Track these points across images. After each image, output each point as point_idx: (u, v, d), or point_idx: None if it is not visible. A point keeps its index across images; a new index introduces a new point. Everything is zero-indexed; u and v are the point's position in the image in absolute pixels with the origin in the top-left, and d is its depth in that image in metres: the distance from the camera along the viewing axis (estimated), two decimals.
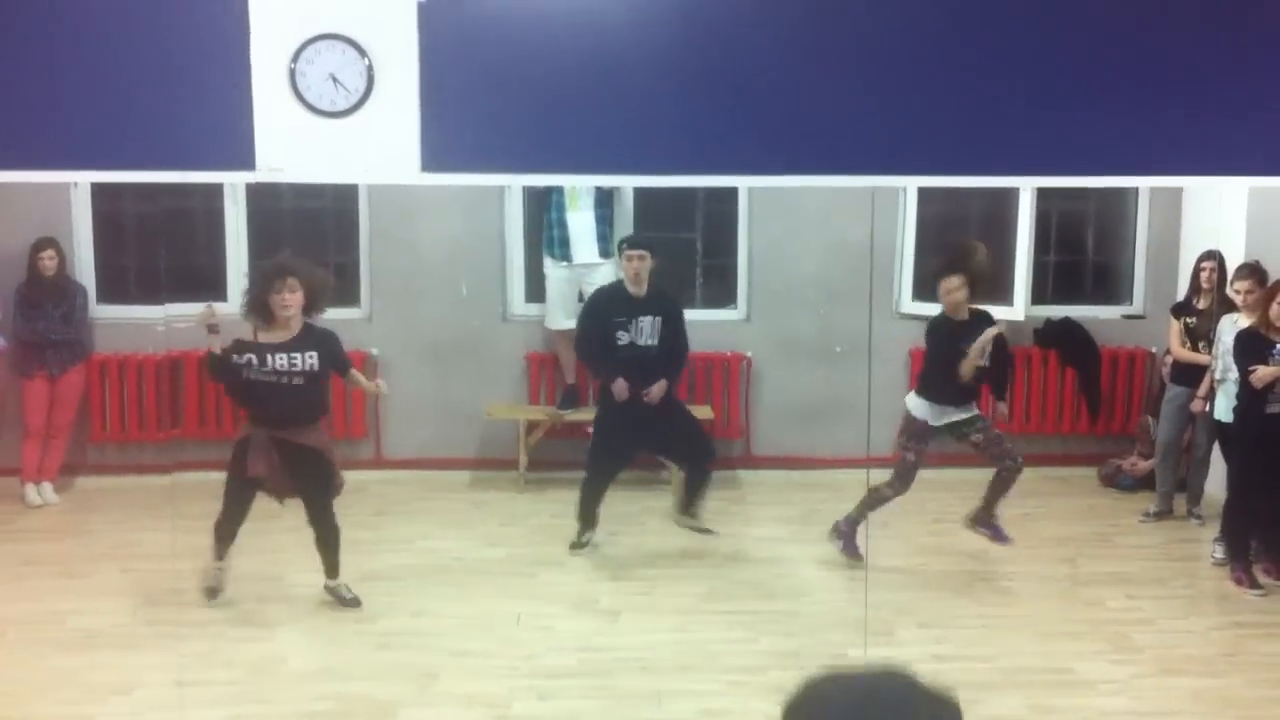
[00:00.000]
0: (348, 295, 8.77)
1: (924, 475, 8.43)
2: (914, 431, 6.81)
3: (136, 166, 3.99)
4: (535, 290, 8.76)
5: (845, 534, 6.88)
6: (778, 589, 6.67)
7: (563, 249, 8.47)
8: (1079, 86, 4.02)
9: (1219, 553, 6.97)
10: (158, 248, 8.71)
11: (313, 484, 6.18)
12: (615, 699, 5.43)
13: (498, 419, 8.54)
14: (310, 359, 6.10)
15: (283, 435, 6.06)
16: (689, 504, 7.29)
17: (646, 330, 7.05)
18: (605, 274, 8.37)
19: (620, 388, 6.96)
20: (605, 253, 8.51)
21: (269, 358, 6.05)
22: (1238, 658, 5.87)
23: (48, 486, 8.01)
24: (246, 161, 3.97)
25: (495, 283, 8.74)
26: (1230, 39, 4.01)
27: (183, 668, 5.50)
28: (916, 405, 6.83)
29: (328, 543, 6.26)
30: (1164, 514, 7.79)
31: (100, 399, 8.46)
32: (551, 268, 8.55)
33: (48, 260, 8.04)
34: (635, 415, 7.01)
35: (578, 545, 7.09)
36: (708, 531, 7.29)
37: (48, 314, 8.05)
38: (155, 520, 7.53)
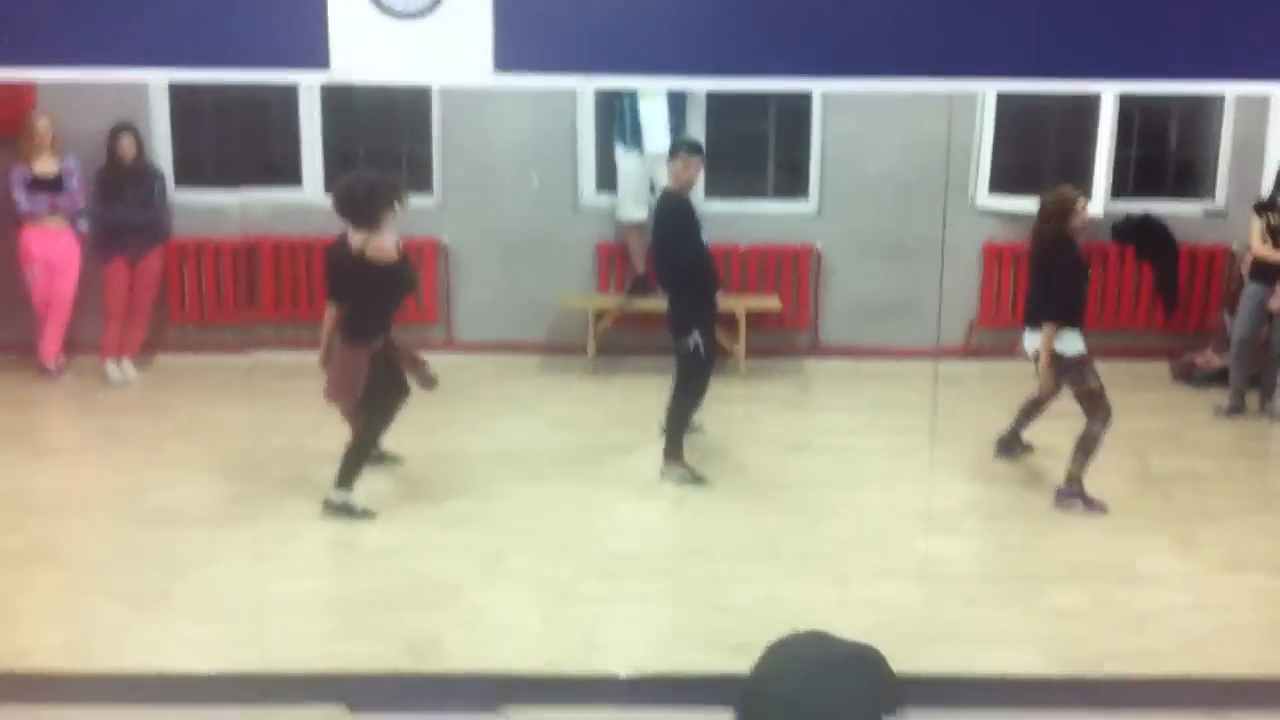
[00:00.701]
0: (420, 184, 8.81)
1: (991, 368, 8.48)
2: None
3: (209, 64, 3.98)
4: (606, 180, 8.76)
5: (1075, 493, 6.33)
6: (842, 478, 6.70)
7: (634, 138, 8.45)
8: None
9: None
10: (234, 134, 8.79)
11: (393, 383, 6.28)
12: (680, 583, 5.54)
13: (567, 307, 8.60)
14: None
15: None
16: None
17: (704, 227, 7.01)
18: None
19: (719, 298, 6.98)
20: (676, 143, 8.46)
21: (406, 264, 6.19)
22: None
23: (128, 364, 8.20)
24: (320, 61, 3.96)
25: (566, 173, 8.74)
26: None
27: (261, 543, 5.67)
28: (1073, 340, 6.33)
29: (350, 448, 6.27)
30: (1236, 410, 7.71)
31: (179, 282, 8.61)
32: (623, 157, 8.54)
33: (126, 146, 8.16)
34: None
35: (692, 478, 6.61)
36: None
37: (127, 199, 8.19)
38: (233, 399, 7.72)
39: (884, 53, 4.17)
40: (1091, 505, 6.26)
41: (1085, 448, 6.29)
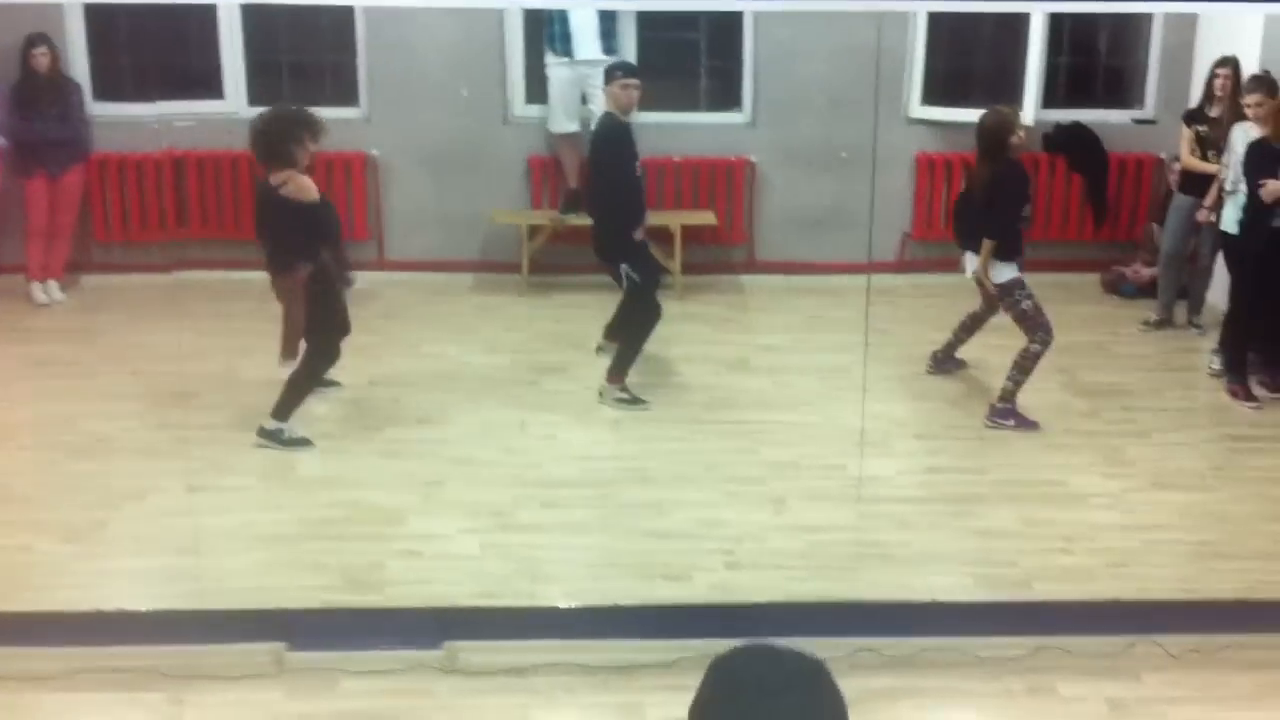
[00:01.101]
0: (345, 95, 8.65)
1: (925, 281, 8.53)
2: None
3: None
4: (536, 91, 8.62)
5: (1008, 411, 6.39)
6: (777, 399, 6.76)
7: (564, 44, 8.31)
8: None
9: (1216, 364, 7.03)
10: (152, 44, 8.54)
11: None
12: (616, 509, 5.58)
13: (501, 224, 8.51)
14: None
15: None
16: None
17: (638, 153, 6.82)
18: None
19: (641, 231, 6.83)
20: (609, 50, 8.35)
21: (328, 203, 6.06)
22: (1228, 471, 6.00)
23: (54, 285, 8.04)
24: None
25: (495, 83, 8.59)
26: None
27: (193, 474, 5.63)
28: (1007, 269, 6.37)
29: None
30: (1164, 323, 7.83)
31: (101, 198, 8.42)
32: (553, 65, 8.40)
33: (41, 57, 7.91)
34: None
35: (636, 400, 6.60)
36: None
37: (44, 112, 7.97)
38: (163, 321, 7.57)
39: None
40: (1023, 422, 6.35)
41: (1022, 366, 6.37)
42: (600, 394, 6.58)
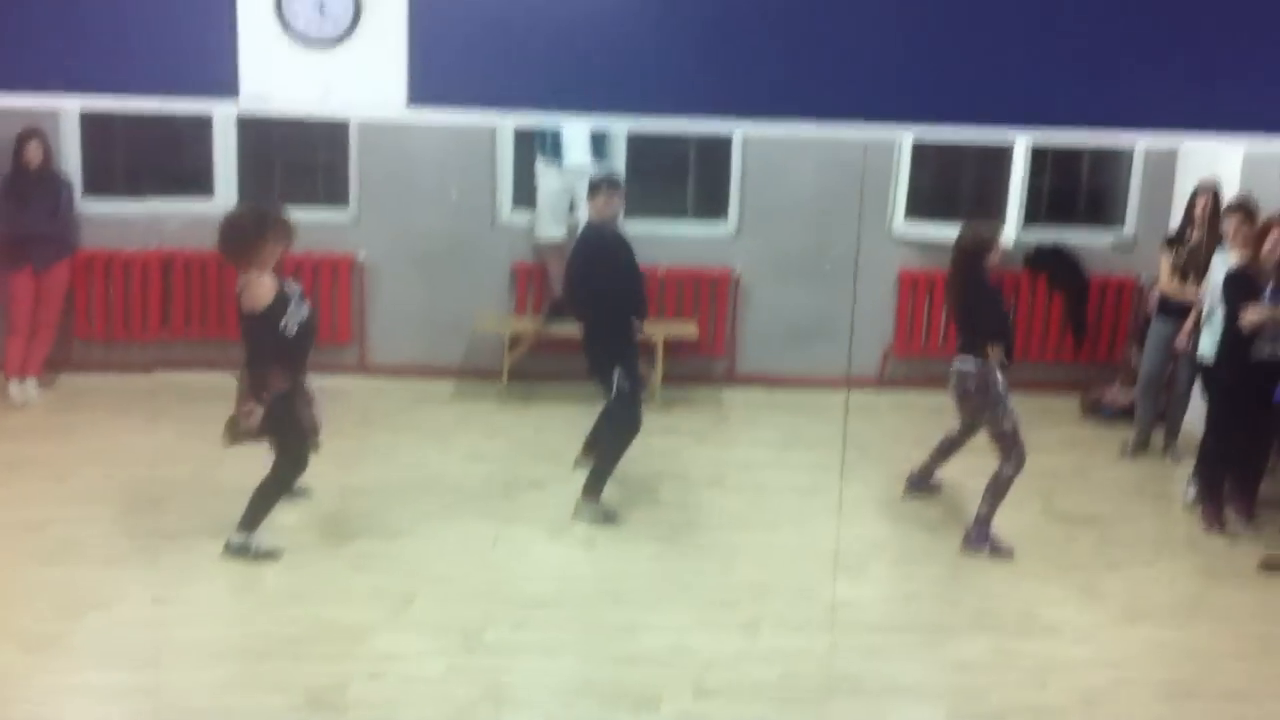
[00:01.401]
0: (336, 196, 8.72)
1: (905, 399, 8.56)
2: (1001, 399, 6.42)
3: (117, 91, 3.92)
4: (524, 196, 8.69)
5: (983, 537, 6.37)
6: (754, 518, 6.73)
7: (554, 151, 8.39)
8: (1074, 36, 3.93)
9: (1192, 493, 7.03)
10: (145, 142, 8.61)
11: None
12: (588, 631, 5.52)
13: (484, 331, 8.53)
14: (295, 286, 6.02)
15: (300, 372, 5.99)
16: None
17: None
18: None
19: (638, 326, 6.88)
20: (599, 158, 8.44)
21: (292, 300, 5.87)
22: (1202, 607, 5.96)
23: (31, 383, 8.02)
24: (230, 89, 3.90)
25: (485, 188, 8.66)
26: None
27: (161, 584, 5.58)
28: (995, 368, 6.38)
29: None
30: (1141, 448, 7.83)
31: (86, 295, 8.43)
32: (543, 172, 8.47)
33: (33, 152, 7.96)
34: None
35: (611, 515, 6.62)
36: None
37: (33, 207, 8.00)
38: (140, 422, 7.60)
39: (804, 94, 4.18)
40: (998, 550, 6.33)
41: (996, 491, 6.36)
42: (576, 509, 6.56)
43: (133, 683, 4.98)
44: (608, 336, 6.70)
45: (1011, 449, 6.33)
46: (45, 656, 5.15)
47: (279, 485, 6.01)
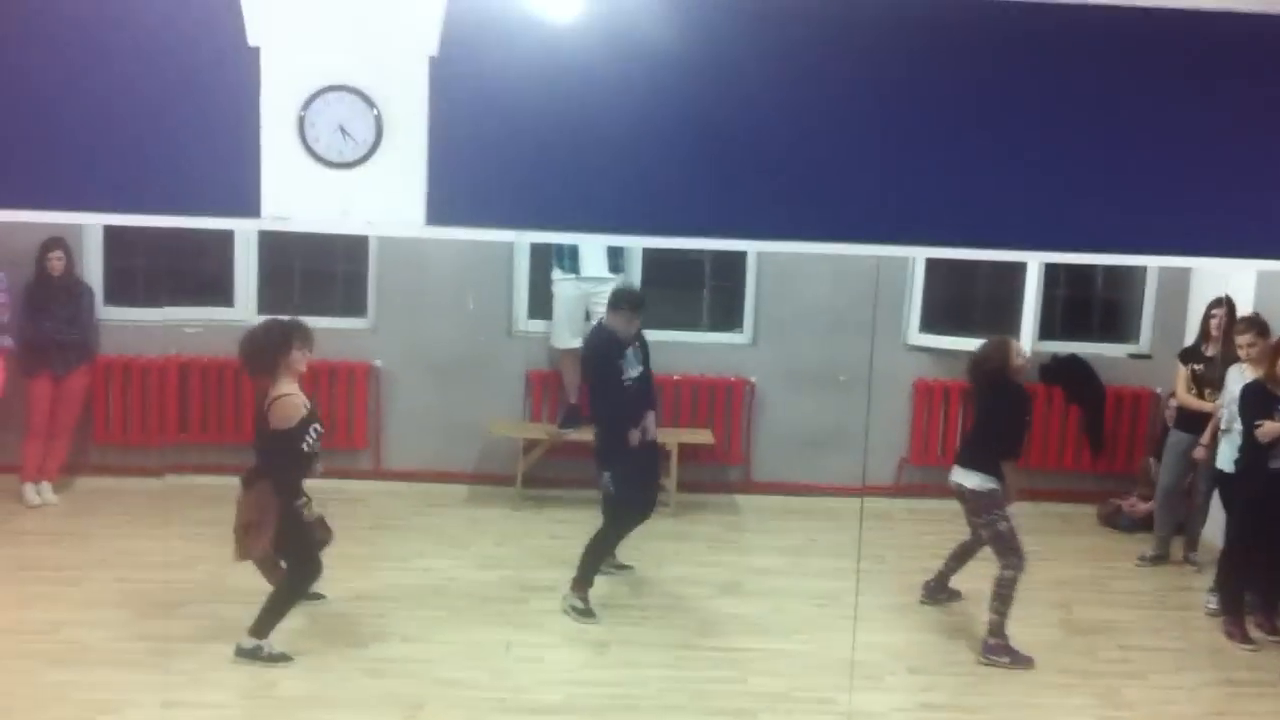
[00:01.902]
0: (355, 306, 8.80)
1: (921, 506, 8.52)
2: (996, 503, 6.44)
3: (142, 210, 4.02)
4: (540, 306, 8.76)
5: (1001, 646, 6.29)
6: (770, 625, 6.66)
7: (571, 261, 8.46)
8: (1087, 164, 4.02)
9: (1213, 603, 6.96)
10: (167, 250, 8.72)
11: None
12: None
13: (498, 435, 8.55)
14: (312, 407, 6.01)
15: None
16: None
17: (633, 362, 6.90)
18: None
19: (635, 437, 6.81)
20: (615, 268, 8.52)
21: (316, 426, 5.93)
22: (1226, 718, 5.87)
23: (47, 486, 8.03)
24: (252, 208, 3.99)
25: (501, 298, 8.73)
26: (1244, 123, 3.99)
27: (172, 689, 5.53)
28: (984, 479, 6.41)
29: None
30: (1160, 558, 7.77)
31: (104, 401, 8.48)
32: (559, 282, 8.54)
33: (56, 261, 8.06)
34: (647, 455, 6.97)
35: (587, 613, 6.61)
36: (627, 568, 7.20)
37: (54, 314, 8.07)
38: (153, 526, 7.59)
39: (816, 216, 4.25)
40: (1017, 659, 6.25)
41: (1001, 596, 6.31)
42: (562, 600, 6.57)
43: None
44: (604, 436, 6.84)
45: (1008, 551, 6.31)
46: None
47: (291, 594, 5.98)
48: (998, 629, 6.29)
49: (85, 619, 6.28)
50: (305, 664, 5.96)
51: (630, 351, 6.87)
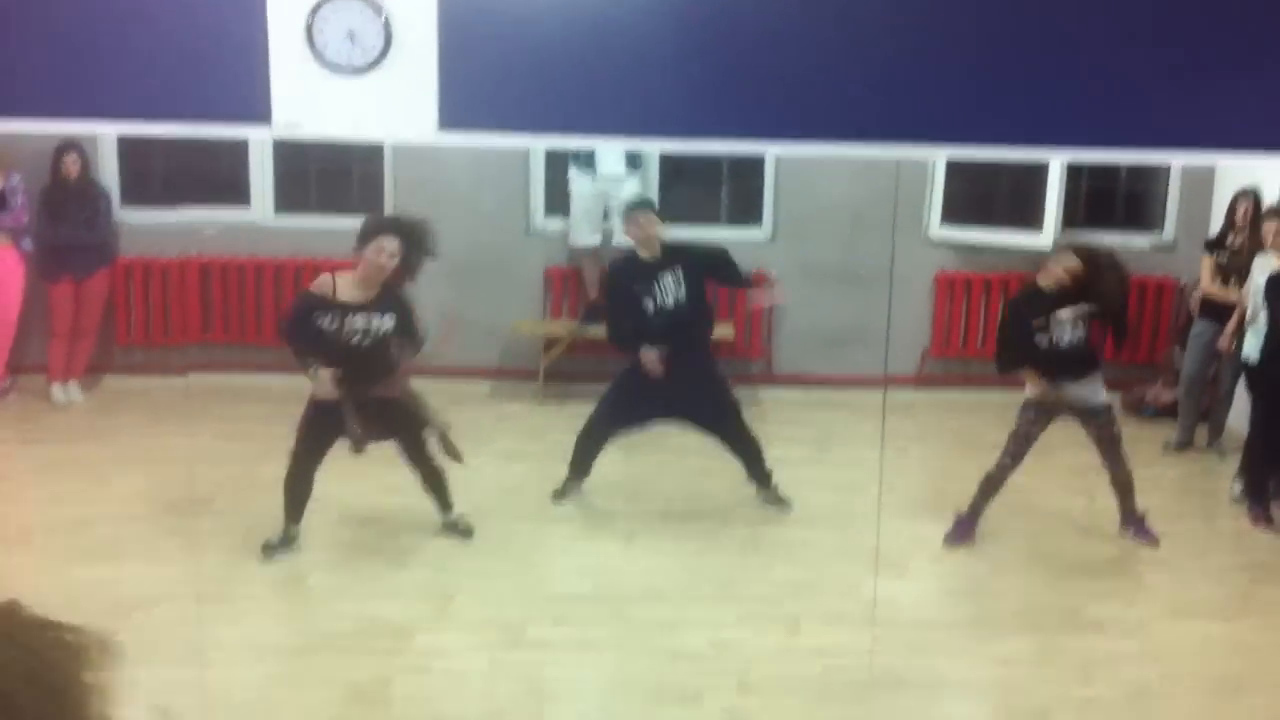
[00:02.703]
0: (371, 205, 8.73)
1: (949, 397, 8.52)
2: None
3: (151, 117, 3.96)
4: (557, 204, 8.72)
5: (964, 526, 6.40)
6: (794, 515, 6.69)
7: (587, 158, 8.42)
8: (1111, 56, 3.93)
9: (1237, 489, 6.97)
10: (181, 151, 8.68)
11: (402, 431, 6.12)
12: (628, 626, 5.50)
13: (521, 334, 8.55)
14: (387, 322, 5.96)
15: (361, 390, 5.94)
16: (761, 481, 6.80)
17: (670, 288, 6.61)
18: (631, 187, 8.33)
19: (650, 359, 6.52)
20: (632, 164, 8.47)
21: (348, 319, 5.88)
22: (1250, 601, 5.90)
23: (74, 385, 8.10)
24: (262, 115, 3.94)
25: (518, 196, 8.69)
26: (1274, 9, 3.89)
27: (204, 583, 5.59)
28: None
29: (431, 482, 6.24)
30: (1185, 445, 7.79)
31: (125, 303, 8.50)
32: (576, 180, 8.50)
33: (71, 164, 8.04)
34: (664, 385, 6.57)
35: (560, 495, 6.76)
36: (785, 504, 6.78)
37: (72, 218, 8.07)
38: (179, 424, 7.61)
39: (832, 116, 4.18)
40: (962, 535, 6.31)
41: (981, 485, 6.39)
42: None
43: (178, 679, 4.97)
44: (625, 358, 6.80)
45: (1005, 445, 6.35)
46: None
47: (288, 474, 6.05)
48: (969, 509, 6.40)
49: (116, 515, 6.34)
50: (335, 556, 6.03)
51: (669, 278, 6.58)
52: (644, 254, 6.64)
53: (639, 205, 6.81)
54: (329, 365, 5.86)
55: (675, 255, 6.63)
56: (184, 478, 6.72)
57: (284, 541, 6.02)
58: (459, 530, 6.27)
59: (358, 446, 5.96)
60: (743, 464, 6.77)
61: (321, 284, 5.90)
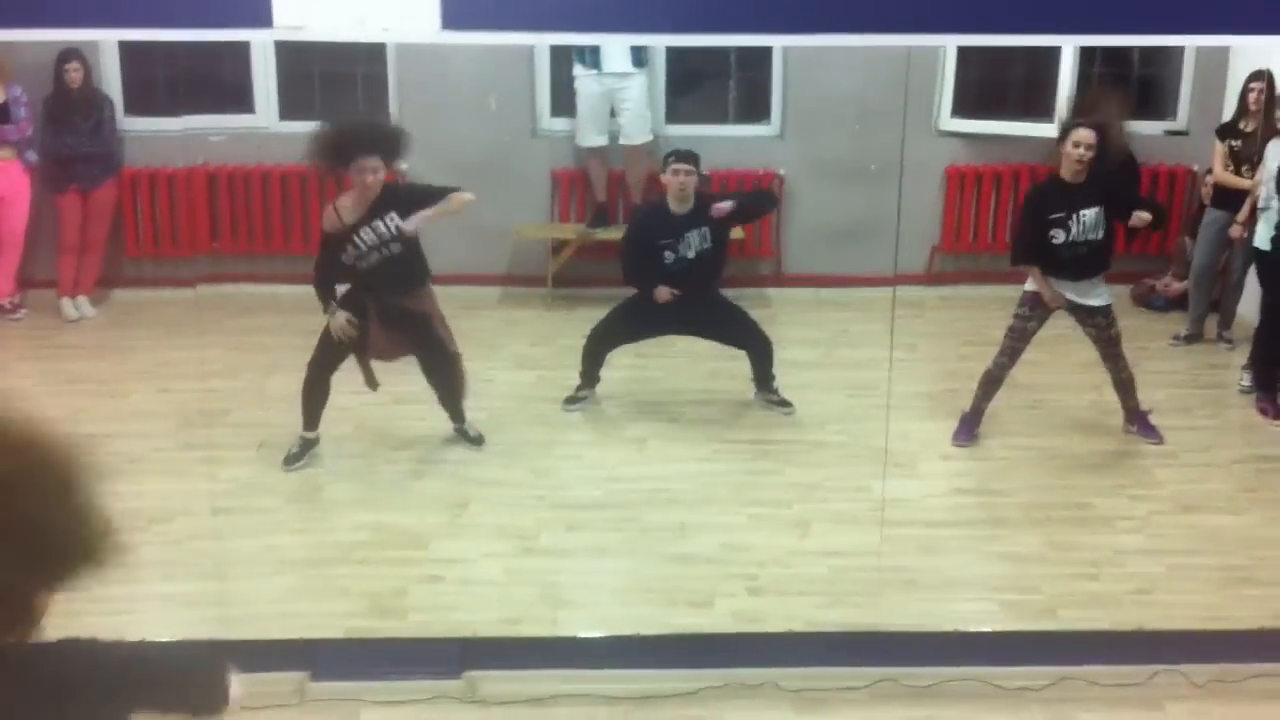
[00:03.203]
0: (376, 106, 8.67)
1: (959, 292, 8.51)
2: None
3: (152, 25, 3.95)
4: (563, 104, 8.63)
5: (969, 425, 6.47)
6: (804, 417, 6.73)
7: (592, 56, 8.30)
8: None
9: (1246, 380, 6.97)
10: (184, 58, 8.59)
11: (423, 350, 6.18)
12: (640, 531, 5.59)
13: (527, 238, 8.53)
14: (393, 222, 5.96)
15: (388, 300, 6.02)
16: (763, 382, 6.86)
17: (695, 242, 6.63)
18: (638, 85, 8.24)
19: (663, 294, 6.60)
20: (638, 61, 8.34)
21: (358, 237, 5.90)
22: (1259, 493, 5.95)
23: (84, 300, 8.10)
24: (264, 19, 3.91)
25: (524, 96, 8.59)
26: None
27: (220, 496, 5.66)
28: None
29: (447, 400, 6.29)
30: (1194, 337, 7.76)
31: (133, 213, 8.48)
32: (581, 78, 8.39)
33: (73, 73, 7.97)
34: (674, 308, 6.66)
35: (573, 400, 6.82)
36: (787, 405, 6.82)
37: (76, 128, 8.02)
38: (192, 337, 7.63)
39: (840, 6, 4.14)
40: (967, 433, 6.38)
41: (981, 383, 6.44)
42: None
43: (198, 592, 5.09)
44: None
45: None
46: (111, 571, 5.24)
47: (307, 376, 6.13)
48: (972, 409, 6.46)
49: (131, 430, 6.40)
50: (349, 467, 6.10)
51: (694, 234, 6.61)
52: (675, 207, 6.60)
53: (681, 156, 6.67)
54: (356, 289, 5.96)
55: (703, 213, 6.60)
56: (198, 391, 6.77)
57: (303, 448, 6.09)
58: (470, 439, 6.31)
59: (372, 385, 6.11)
60: (751, 361, 6.82)
61: (329, 219, 5.91)
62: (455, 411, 6.33)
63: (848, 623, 4.93)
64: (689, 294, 6.61)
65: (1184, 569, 5.32)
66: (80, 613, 4.88)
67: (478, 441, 6.32)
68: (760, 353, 6.82)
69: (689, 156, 6.65)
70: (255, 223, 8.47)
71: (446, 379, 6.24)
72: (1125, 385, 6.41)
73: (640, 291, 6.73)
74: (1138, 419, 6.43)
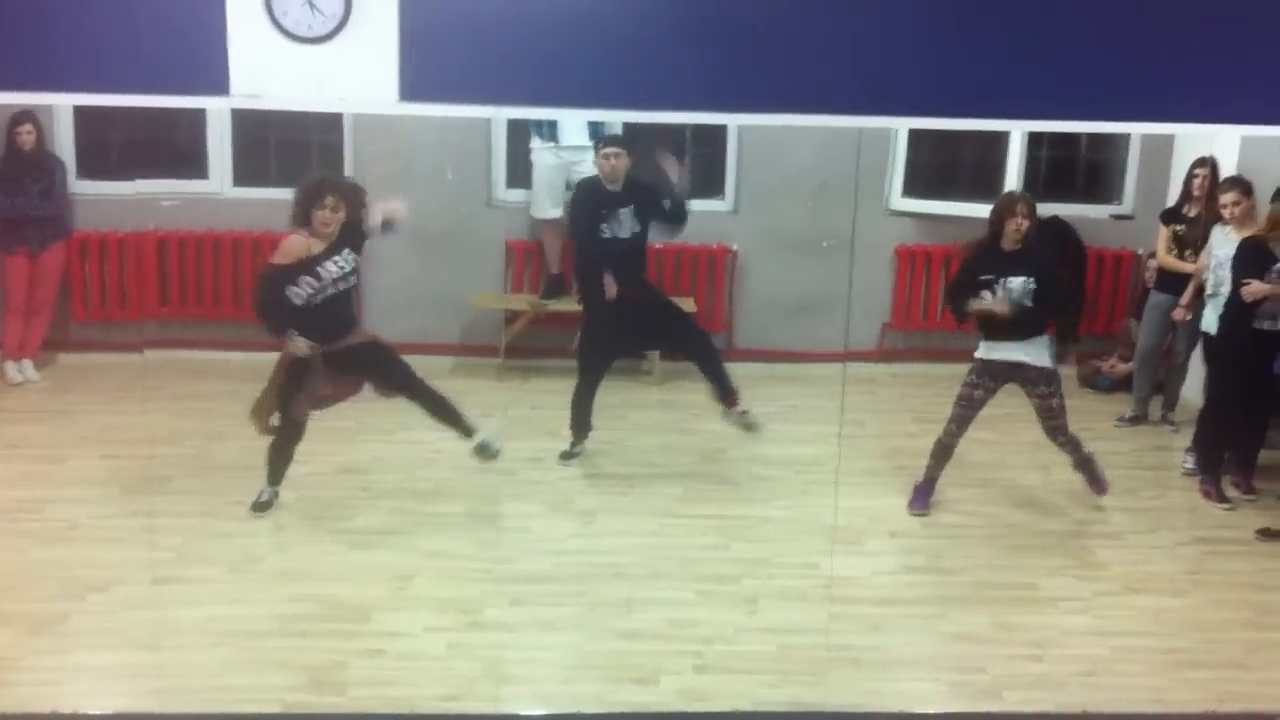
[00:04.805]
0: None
1: (906, 369, 8.56)
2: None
3: (109, 90, 3.94)
4: (519, 176, 8.67)
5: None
6: (753, 492, 6.73)
7: (550, 129, 8.36)
8: (1070, 29, 3.94)
9: (1190, 463, 7.04)
10: (138, 123, 8.57)
11: (391, 371, 6.28)
12: (587, 606, 5.53)
13: (481, 307, 8.53)
14: (350, 256, 6.10)
15: (338, 347, 6.06)
16: (724, 395, 7.00)
17: (626, 223, 6.91)
18: (592, 160, 8.28)
19: (610, 284, 6.81)
20: (594, 136, 8.40)
21: (321, 270, 5.97)
22: (1201, 576, 5.97)
23: (29, 364, 8.01)
24: (221, 87, 3.91)
25: (480, 167, 8.64)
26: None
27: (160, 565, 5.57)
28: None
29: (437, 410, 6.31)
30: (1139, 419, 7.83)
31: (82, 277, 8.41)
32: (539, 151, 8.44)
33: (25, 134, 7.93)
34: (622, 312, 6.90)
35: (569, 455, 6.98)
36: (754, 427, 7.02)
37: (27, 190, 7.97)
38: (137, 402, 7.56)
39: (795, 87, 4.18)
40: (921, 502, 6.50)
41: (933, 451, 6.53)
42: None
43: (134, 663, 4.99)
44: (582, 293, 7.13)
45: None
46: (46, 638, 5.15)
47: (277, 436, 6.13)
48: (927, 477, 6.54)
49: (72, 496, 6.31)
50: (292, 537, 6.02)
51: (625, 212, 6.89)
52: (609, 186, 6.92)
53: (611, 140, 6.99)
54: (305, 332, 5.97)
55: (634, 192, 6.95)
56: (141, 457, 6.69)
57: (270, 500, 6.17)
58: (489, 453, 6.29)
59: (317, 406, 6.16)
60: (703, 371, 7.07)
61: (297, 245, 5.96)
62: (459, 426, 6.34)
63: (794, 701, 4.90)
64: (627, 280, 6.86)
65: (1129, 651, 5.33)
66: (13, 683, 4.82)
67: (496, 456, 6.32)
68: (706, 353, 7.12)
69: (619, 139, 7.03)
70: (205, 288, 8.42)
71: (422, 387, 6.31)
72: (1079, 462, 6.51)
73: (587, 278, 6.98)
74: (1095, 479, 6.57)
